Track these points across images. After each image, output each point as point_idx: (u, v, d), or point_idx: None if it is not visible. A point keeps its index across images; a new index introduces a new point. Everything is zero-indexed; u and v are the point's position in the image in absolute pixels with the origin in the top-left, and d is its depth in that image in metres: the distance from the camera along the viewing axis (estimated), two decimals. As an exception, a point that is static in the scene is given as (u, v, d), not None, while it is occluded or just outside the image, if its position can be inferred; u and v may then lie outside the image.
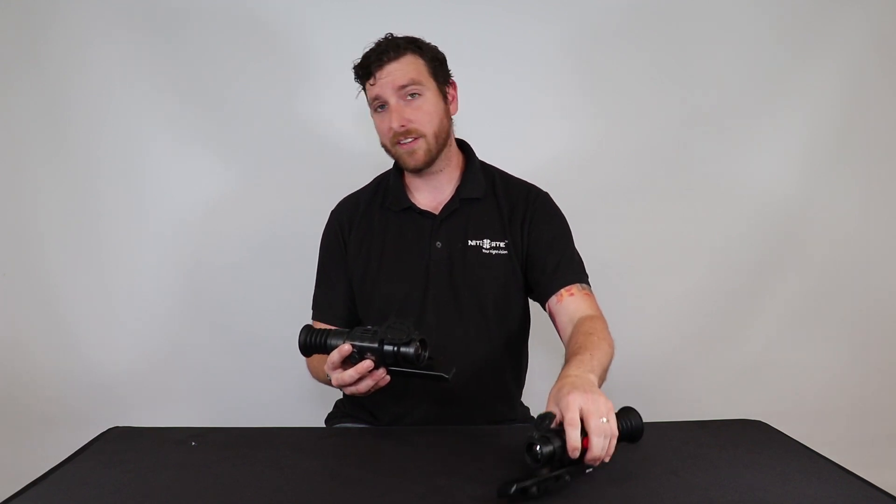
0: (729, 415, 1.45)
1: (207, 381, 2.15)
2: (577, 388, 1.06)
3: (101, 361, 2.13)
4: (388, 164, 1.64)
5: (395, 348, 1.19)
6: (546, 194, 1.60)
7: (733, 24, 2.16)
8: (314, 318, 1.60)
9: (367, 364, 1.22)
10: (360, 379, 1.24)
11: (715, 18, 2.15)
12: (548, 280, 1.47)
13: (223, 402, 2.14)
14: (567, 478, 1.01)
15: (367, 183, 1.66)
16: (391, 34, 1.48)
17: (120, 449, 1.26)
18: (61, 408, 2.13)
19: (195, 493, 1.07)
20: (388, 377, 1.25)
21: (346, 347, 1.21)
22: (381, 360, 1.21)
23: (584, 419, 1.01)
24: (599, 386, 1.17)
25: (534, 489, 0.97)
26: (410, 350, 1.19)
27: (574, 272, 1.48)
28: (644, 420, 1.24)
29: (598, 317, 1.41)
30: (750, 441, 1.29)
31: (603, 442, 1.01)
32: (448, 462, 1.17)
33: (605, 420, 1.02)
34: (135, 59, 2.07)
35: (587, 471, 1.04)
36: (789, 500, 1.04)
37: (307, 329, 1.29)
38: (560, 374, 1.17)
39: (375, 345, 1.20)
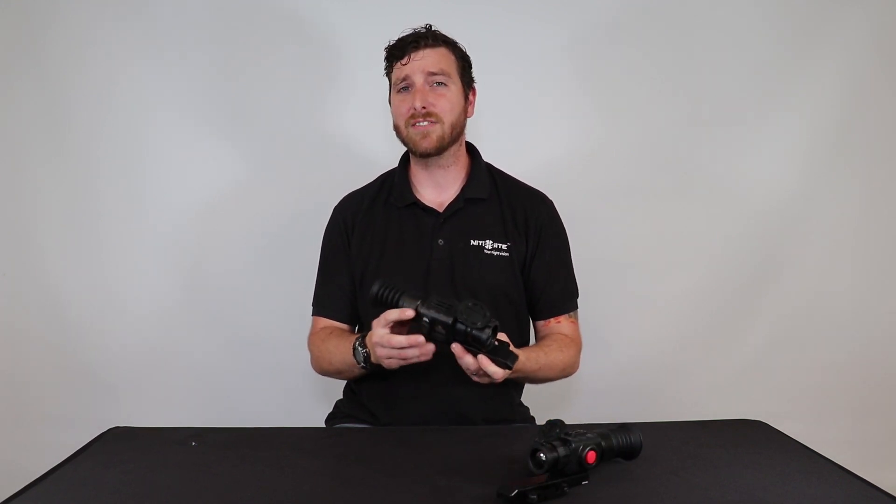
0: (729, 415, 1.45)
1: (207, 381, 2.14)
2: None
3: (100, 361, 2.12)
4: (394, 164, 1.64)
5: (468, 329, 1.20)
6: (551, 202, 1.63)
7: (733, 25, 2.15)
8: (315, 313, 1.60)
9: (419, 338, 1.24)
10: (405, 348, 1.26)
11: (715, 19, 2.15)
12: (544, 305, 1.58)
13: (223, 402, 2.13)
14: (566, 488, 1.03)
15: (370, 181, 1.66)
16: (430, 25, 1.52)
17: (120, 449, 1.26)
18: (61, 408, 2.12)
19: (195, 493, 1.07)
20: (430, 356, 1.27)
21: (409, 312, 1.23)
22: (451, 335, 1.22)
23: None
24: (528, 374, 1.45)
25: (534, 496, 0.98)
26: (483, 335, 1.20)
27: (568, 299, 1.60)
28: (645, 420, 1.24)
29: (574, 340, 1.57)
30: (750, 441, 1.29)
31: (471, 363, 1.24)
32: (448, 462, 1.17)
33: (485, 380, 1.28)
34: (135, 58, 2.07)
35: (583, 482, 1.05)
36: (789, 500, 1.04)
37: (382, 282, 1.27)
38: (521, 349, 1.40)
39: (449, 320, 1.20)
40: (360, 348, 1.39)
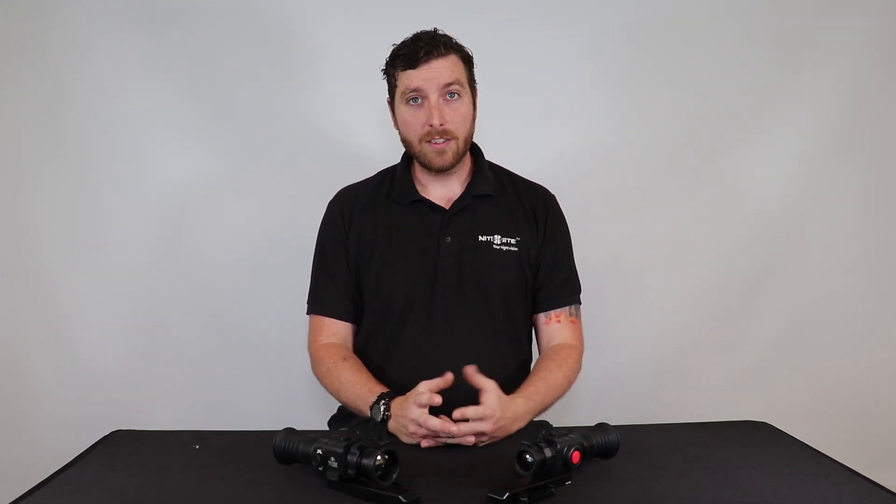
0: (735, 416, 1.45)
1: (210, 384, 2.14)
2: (510, 423, 1.31)
3: (102, 363, 2.11)
4: (388, 159, 1.63)
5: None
6: (553, 196, 1.62)
7: (735, 28, 2.15)
8: (313, 311, 1.56)
9: (451, 427, 1.23)
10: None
11: (717, 22, 2.14)
12: (544, 297, 1.56)
13: (225, 404, 2.12)
14: (552, 488, 1.04)
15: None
16: (435, 29, 1.47)
17: (123, 452, 1.26)
18: (61, 409, 2.11)
19: (198, 495, 1.06)
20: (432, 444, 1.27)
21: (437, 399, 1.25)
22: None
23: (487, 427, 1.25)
24: (536, 412, 1.41)
25: (524, 498, 0.99)
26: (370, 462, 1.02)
27: (570, 293, 1.57)
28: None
29: (574, 346, 1.53)
30: (756, 442, 1.29)
31: (466, 429, 1.24)
32: (448, 462, 1.18)
33: (484, 438, 1.27)
34: (135, 58, 2.06)
35: (567, 483, 1.07)
36: (798, 501, 1.04)
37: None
38: (518, 391, 1.39)
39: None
40: (382, 408, 1.33)
